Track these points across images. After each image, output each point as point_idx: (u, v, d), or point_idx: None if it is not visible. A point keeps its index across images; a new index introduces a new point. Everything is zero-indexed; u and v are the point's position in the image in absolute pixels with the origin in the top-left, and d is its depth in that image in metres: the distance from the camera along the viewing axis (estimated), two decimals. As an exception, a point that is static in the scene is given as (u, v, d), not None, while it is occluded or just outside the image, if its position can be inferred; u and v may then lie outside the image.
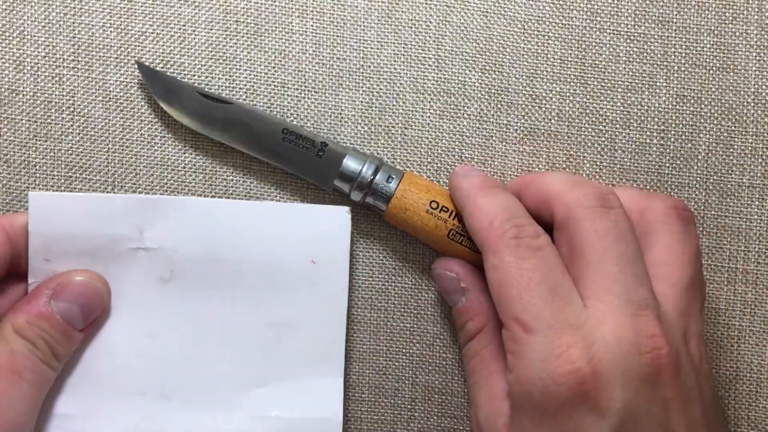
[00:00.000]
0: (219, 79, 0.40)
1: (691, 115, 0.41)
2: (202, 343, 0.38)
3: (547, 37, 0.41)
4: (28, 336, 0.35)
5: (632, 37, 0.41)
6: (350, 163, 0.38)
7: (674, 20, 0.41)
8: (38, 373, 0.36)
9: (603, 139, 0.41)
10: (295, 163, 0.39)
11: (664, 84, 0.41)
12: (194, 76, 0.40)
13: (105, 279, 0.38)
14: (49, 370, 0.36)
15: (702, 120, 0.41)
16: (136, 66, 0.40)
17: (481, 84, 0.41)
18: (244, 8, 0.40)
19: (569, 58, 0.41)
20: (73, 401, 0.38)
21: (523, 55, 0.41)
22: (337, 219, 0.38)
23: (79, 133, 0.40)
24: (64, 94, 0.40)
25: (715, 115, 0.41)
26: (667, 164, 0.41)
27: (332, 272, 0.39)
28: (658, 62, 0.41)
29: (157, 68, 0.40)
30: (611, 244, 0.34)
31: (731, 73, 0.41)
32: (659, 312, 0.33)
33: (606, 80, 0.41)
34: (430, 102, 0.41)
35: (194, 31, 0.40)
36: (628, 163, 0.41)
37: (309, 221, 0.38)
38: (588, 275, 0.33)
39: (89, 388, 0.38)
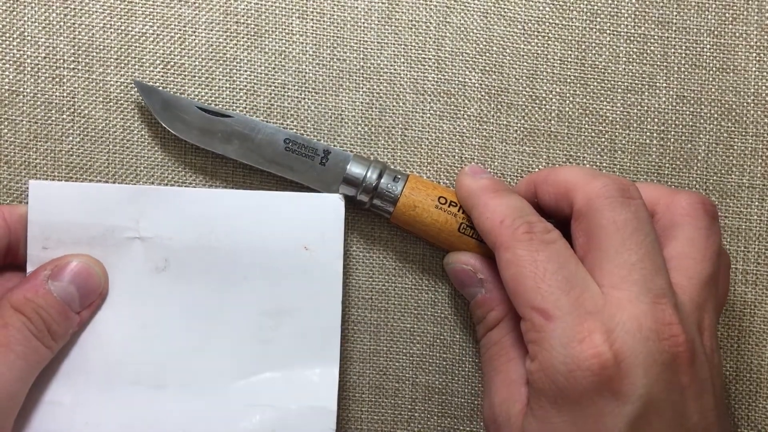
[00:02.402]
0: (219, 79, 0.40)
1: (691, 116, 0.41)
2: (196, 331, 0.39)
3: (546, 37, 0.41)
4: (24, 311, 0.36)
5: (632, 38, 0.41)
6: (355, 168, 0.39)
7: (674, 21, 0.41)
8: (29, 347, 0.36)
9: (603, 139, 0.41)
10: (299, 171, 0.39)
11: (664, 84, 0.41)
12: (194, 77, 0.40)
13: (102, 264, 0.38)
14: (42, 347, 0.36)
15: (702, 120, 0.41)
16: (135, 74, 0.40)
17: (480, 84, 0.41)
18: (244, 9, 0.40)
19: (569, 59, 0.41)
20: (66, 389, 0.38)
21: (522, 55, 0.41)
22: (330, 206, 0.39)
23: (79, 134, 0.40)
24: (65, 94, 0.40)
25: (715, 115, 0.41)
26: (667, 164, 0.41)
27: (326, 259, 0.39)
28: (658, 63, 0.41)
29: (155, 85, 0.40)
30: (630, 234, 0.34)
31: (731, 74, 0.41)
32: (676, 302, 0.34)
33: (606, 81, 0.41)
34: (430, 103, 0.41)
35: (194, 32, 0.40)
36: (628, 164, 0.41)
37: (302, 209, 0.39)
38: (605, 264, 0.34)
39: (82, 377, 0.38)
